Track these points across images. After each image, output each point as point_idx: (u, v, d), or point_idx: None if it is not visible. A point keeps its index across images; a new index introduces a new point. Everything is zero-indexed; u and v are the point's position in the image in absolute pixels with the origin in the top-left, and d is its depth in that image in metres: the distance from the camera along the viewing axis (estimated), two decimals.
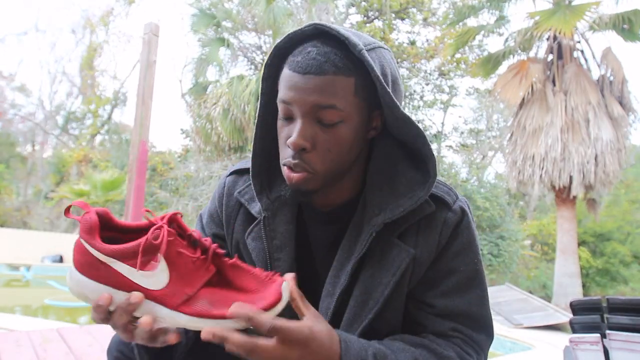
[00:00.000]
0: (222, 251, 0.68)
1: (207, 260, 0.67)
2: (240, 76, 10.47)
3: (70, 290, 0.64)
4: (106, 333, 3.56)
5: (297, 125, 0.76)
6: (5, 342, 3.16)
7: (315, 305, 0.86)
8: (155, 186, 17.04)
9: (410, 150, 0.85)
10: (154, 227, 0.64)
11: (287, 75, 0.77)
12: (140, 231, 0.67)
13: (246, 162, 0.97)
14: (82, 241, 0.62)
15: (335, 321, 0.83)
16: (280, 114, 0.80)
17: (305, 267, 0.90)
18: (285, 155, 0.79)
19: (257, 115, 0.88)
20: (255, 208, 0.90)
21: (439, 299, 0.83)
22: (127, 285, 0.63)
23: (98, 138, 22.05)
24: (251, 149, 0.90)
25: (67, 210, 0.63)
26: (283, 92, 0.77)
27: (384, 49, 0.82)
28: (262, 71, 0.85)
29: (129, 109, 23.11)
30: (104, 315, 0.64)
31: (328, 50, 0.75)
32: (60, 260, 11.52)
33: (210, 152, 11.19)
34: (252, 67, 13.03)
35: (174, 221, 0.67)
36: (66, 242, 12.13)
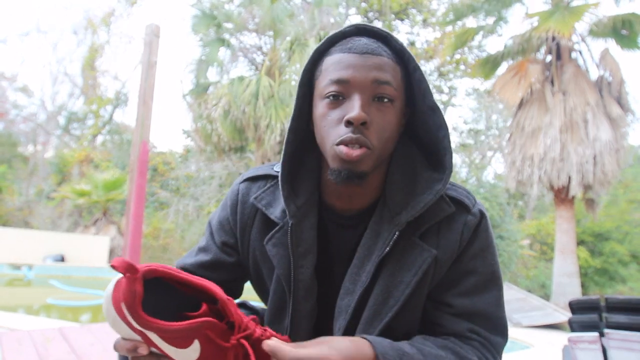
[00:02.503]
0: (258, 335, 0.69)
1: (246, 347, 0.68)
2: (241, 77, 10.48)
3: (106, 318, 0.64)
4: (108, 332, 3.55)
5: (356, 102, 0.77)
6: (7, 341, 3.16)
7: (333, 305, 0.88)
8: (156, 186, 17.06)
9: (426, 149, 0.87)
10: (201, 320, 0.65)
11: (340, 57, 0.79)
12: (189, 286, 0.68)
13: (257, 169, 0.98)
14: (123, 307, 0.61)
15: (354, 319, 0.84)
16: (329, 95, 0.80)
17: (326, 272, 0.91)
18: (340, 133, 0.78)
19: (290, 119, 0.87)
20: (275, 213, 0.90)
21: (456, 299, 0.84)
22: (157, 348, 0.65)
23: (99, 138, 22.08)
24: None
25: (114, 266, 0.61)
26: (338, 72, 0.79)
27: None
28: (300, 76, 0.86)
29: (130, 109, 23.18)
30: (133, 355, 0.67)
31: (374, 40, 0.81)
32: (62, 259, 11.55)
33: (211, 153, 11.21)
34: (253, 67, 13.05)
35: (218, 301, 0.68)
36: (68, 241, 12.16)
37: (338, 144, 0.78)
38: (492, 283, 0.85)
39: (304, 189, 0.89)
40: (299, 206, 0.87)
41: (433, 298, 0.86)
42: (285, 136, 0.89)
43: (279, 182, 0.87)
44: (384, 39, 0.82)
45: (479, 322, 0.83)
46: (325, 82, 0.80)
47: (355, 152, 0.76)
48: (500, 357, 0.85)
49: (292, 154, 0.88)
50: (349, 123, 0.76)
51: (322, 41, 0.83)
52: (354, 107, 0.76)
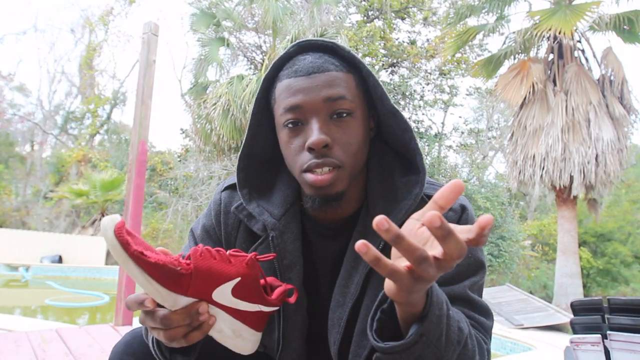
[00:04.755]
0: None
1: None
2: (240, 76, 10.43)
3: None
4: (105, 333, 3.58)
5: (314, 125, 0.76)
6: (4, 342, 3.18)
7: (325, 317, 0.86)
8: (154, 186, 17.03)
9: (400, 153, 0.87)
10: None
11: (288, 83, 0.78)
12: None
13: None
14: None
15: (346, 332, 0.83)
16: (287, 124, 0.79)
17: (312, 282, 0.90)
18: (305, 160, 0.78)
19: (241, 150, 0.88)
20: (257, 225, 0.89)
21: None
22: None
23: (97, 138, 22.07)
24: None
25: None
26: (289, 100, 0.78)
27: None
28: (252, 106, 0.86)
29: (128, 108, 23.20)
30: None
31: (320, 55, 0.80)
32: (59, 260, 11.50)
33: (210, 152, 11.17)
34: (252, 67, 13.02)
35: None
36: (65, 242, 12.12)
37: (305, 171, 0.78)
38: (467, 273, 0.83)
39: (282, 199, 0.88)
40: (278, 218, 0.86)
41: None
42: (237, 162, 0.88)
43: (244, 204, 0.88)
44: (331, 50, 0.80)
45: (461, 304, 0.82)
46: (280, 111, 0.80)
47: (324, 177, 0.76)
48: (490, 339, 0.83)
49: (247, 178, 0.89)
50: (310, 149, 0.76)
51: (269, 68, 0.83)
52: (312, 132, 0.76)
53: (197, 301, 0.66)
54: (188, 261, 0.66)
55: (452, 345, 0.66)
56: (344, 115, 0.78)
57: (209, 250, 0.68)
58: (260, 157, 0.90)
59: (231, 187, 0.95)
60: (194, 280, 0.65)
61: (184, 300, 0.65)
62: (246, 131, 0.88)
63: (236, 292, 0.69)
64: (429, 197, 0.84)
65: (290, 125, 0.79)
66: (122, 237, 0.60)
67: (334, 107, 0.77)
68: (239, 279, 0.69)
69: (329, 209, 0.83)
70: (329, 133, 0.77)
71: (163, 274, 0.63)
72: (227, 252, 0.71)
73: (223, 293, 0.68)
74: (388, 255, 0.78)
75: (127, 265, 0.61)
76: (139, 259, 0.61)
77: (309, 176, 0.78)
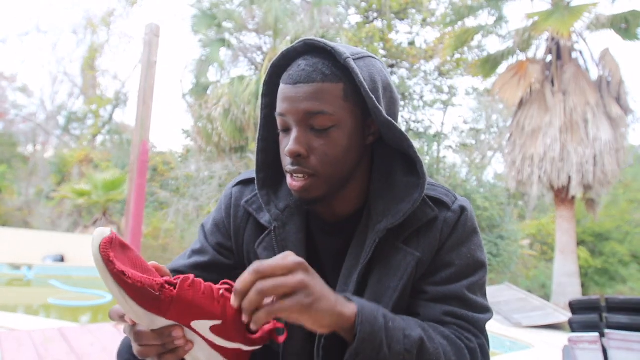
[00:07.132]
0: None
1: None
2: (241, 77, 10.47)
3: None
4: (107, 332, 3.58)
5: (293, 134, 0.80)
6: (7, 341, 3.19)
7: None
8: (156, 186, 17.02)
9: (404, 155, 0.88)
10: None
11: (281, 89, 0.82)
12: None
13: (252, 172, 0.99)
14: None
15: None
16: (279, 127, 0.84)
17: None
18: (286, 163, 0.82)
19: (257, 130, 0.91)
20: (265, 218, 0.92)
21: (431, 287, 0.85)
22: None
23: (99, 138, 22.03)
24: (254, 154, 0.94)
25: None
26: (279, 106, 0.81)
27: (374, 58, 0.86)
28: (262, 88, 0.89)
29: (130, 109, 23.11)
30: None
31: (316, 61, 0.79)
32: (62, 260, 11.52)
33: (211, 152, 11.18)
34: (253, 67, 13.05)
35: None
36: (67, 241, 12.13)
37: (287, 173, 0.83)
38: (467, 273, 0.85)
39: (287, 193, 0.91)
40: (282, 209, 0.90)
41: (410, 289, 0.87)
42: (255, 145, 0.91)
43: (257, 189, 0.91)
44: (330, 54, 0.80)
45: (455, 304, 0.83)
46: (276, 111, 0.83)
47: (298, 183, 0.80)
48: (485, 334, 0.85)
49: (264, 162, 0.91)
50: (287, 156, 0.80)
51: (277, 57, 0.84)
52: (290, 141, 0.79)
53: (173, 325, 0.66)
54: (172, 288, 0.65)
55: (399, 355, 0.71)
56: (323, 129, 0.79)
57: (199, 283, 0.68)
58: (277, 147, 0.91)
59: (242, 183, 0.99)
60: (173, 306, 0.65)
61: (161, 322, 0.65)
62: (260, 113, 0.91)
63: (215, 330, 0.68)
64: (430, 198, 0.86)
65: (281, 128, 0.83)
66: (106, 254, 0.61)
67: (312, 121, 0.79)
68: (219, 321, 0.68)
69: (319, 208, 0.88)
70: (307, 142, 0.79)
71: (141, 295, 0.63)
72: (220, 289, 0.70)
73: (202, 326, 0.67)
74: (375, 262, 0.84)
75: (107, 282, 0.62)
76: (120, 279, 0.62)
77: (288, 178, 0.83)
